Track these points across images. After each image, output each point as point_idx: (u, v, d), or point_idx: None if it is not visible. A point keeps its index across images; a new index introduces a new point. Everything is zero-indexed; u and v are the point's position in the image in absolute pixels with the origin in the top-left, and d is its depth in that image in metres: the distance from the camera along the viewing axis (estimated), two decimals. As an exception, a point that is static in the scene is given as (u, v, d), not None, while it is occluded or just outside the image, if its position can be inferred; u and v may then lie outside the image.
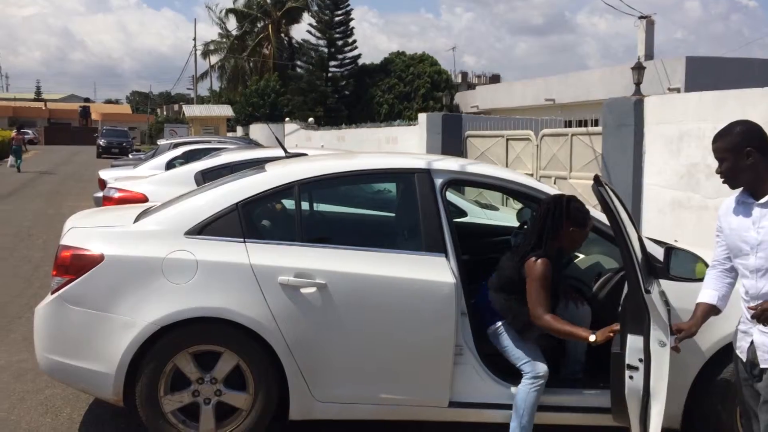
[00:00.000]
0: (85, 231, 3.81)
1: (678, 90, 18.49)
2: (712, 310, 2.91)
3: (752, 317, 2.63)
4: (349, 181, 4.22)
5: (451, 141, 13.15)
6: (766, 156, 2.68)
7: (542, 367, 3.53)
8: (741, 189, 2.77)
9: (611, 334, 3.32)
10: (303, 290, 3.50)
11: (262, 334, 3.49)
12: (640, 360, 3.17)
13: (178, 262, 3.53)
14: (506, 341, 3.66)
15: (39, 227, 11.72)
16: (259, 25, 44.23)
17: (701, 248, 4.36)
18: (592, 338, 3.38)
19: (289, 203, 3.96)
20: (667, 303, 3.26)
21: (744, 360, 2.76)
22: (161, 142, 18.00)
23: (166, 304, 3.47)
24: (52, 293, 3.61)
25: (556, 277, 3.64)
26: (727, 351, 3.60)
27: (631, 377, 3.21)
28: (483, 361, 3.62)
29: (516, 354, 3.60)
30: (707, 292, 2.93)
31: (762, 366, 2.66)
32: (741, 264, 2.76)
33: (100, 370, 3.51)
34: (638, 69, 15.20)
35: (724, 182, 2.77)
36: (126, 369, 3.48)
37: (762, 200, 2.68)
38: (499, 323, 3.68)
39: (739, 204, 2.77)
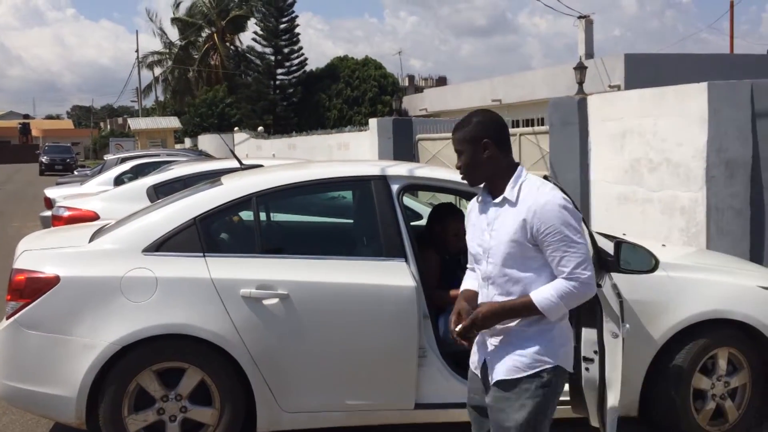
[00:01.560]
0: (39, 253, 3.75)
1: (618, 87, 19.04)
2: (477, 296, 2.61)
3: (458, 334, 2.46)
4: (307, 190, 4.25)
5: (403, 145, 13.24)
6: (503, 150, 2.50)
7: None
8: (483, 186, 2.57)
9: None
10: (265, 302, 3.51)
11: (226, 348, 3.49)
12: (595, 352, 3.28)
13: (137, 280, 3.50)
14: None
15: (-17, 250, 11.32)
16: (203, 35, 43.68)
17: (648, 239, 4.54)
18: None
19: (247, 215, 3.97)
20: (619, 295, 3.39)
21: (479, 376, 2.59)
22: (108, 157, 17.63)
23: (126, 323, 3.44)
24: (7, 318, 3.53)
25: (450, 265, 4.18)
26: (677, 339, 3.79)
27: (587, 369, 3.32)
28: (446, 361, 3.70)
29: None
30: (468, 281, 2.69)
31: (496, 378, 2.47)
32: (478, 270, 2.56)
33: (61, 394, 3.45)
34: (580, 69, 15.66)
35: (463, 178, 2.57)
36: (88, 391, 3.44)
37: (497, 199, 2.49)
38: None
39: (481, 203, 2.57)
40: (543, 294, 2.39)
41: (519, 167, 2.52)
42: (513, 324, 2.46)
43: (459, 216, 4.31)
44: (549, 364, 2.44)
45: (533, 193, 2.43)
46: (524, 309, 2.41)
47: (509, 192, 2.46)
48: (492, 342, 2.51)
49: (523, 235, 2.40)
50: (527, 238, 2.40)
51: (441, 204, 4.58)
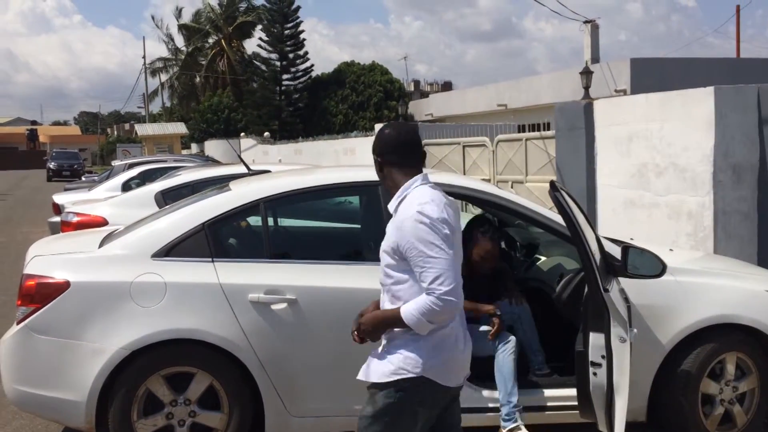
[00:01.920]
0: (49, 258, 3.77)
1: (624, 91, 19.03)
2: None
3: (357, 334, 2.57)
4: (314, 196, 4.27)
5: (409, 150, 13.26)
6: (391, 164, 2.58)
7: (504, 335, 3.81)
8: None
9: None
10: (273, 307, 3.53)
11: (234, 353, 3.51)
12: (603, 356, 3.29)
13: (147, 286, 3.53)
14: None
15: (-8, 256, 11.39)
16: (210, 41, 43.92)
17: (656, 244, 4.54)
18: (496, 316, 3.86)
19: (255, 221, 3.99)
20: (627, 300, 3.39)
21: None
22: (115, 163, 17.72)
23: (136, 328, 3.46)
24: (18, 323, 3.56)
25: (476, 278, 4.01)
26: (685, 344, 3.78)
27: (594, 374, 3.32)
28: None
29: (480, 342, 3.77)
30: None
31: (368, 380, 2.53)
32: None
33: (71, 398, 3.48)
34: (586, 74, 15.67)
35: None
36: (97, 396, 3.46)
37: None
38: None
39: None
40: (408, 308, 2.40)
41: (410, 180, 2.53)
42: (395, 330, 2.50)
43: (489, 236, 4.03)
44: (411, 373, 2.44)
45: (402, 209, 2.48)
46: (396, 320, 2.44)
47: (391, 205, 2.56)
48: (383, 345, 2.56)
49: (393, 249, 2.46)
50: (397, 252, 2.45)
51: (479, 218, 4.29)
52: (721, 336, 3.83)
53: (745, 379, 3.91)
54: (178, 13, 44.51)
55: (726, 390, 3.88)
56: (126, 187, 9.43)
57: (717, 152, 6.47)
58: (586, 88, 16.03)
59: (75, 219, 6.69)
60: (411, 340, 2.45)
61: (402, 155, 2.57)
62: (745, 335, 3.88)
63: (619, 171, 7.74)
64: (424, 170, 2.64)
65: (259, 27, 39.77)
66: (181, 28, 44.50)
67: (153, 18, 75.13)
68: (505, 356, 3.76)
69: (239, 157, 5.83)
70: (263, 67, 37.92)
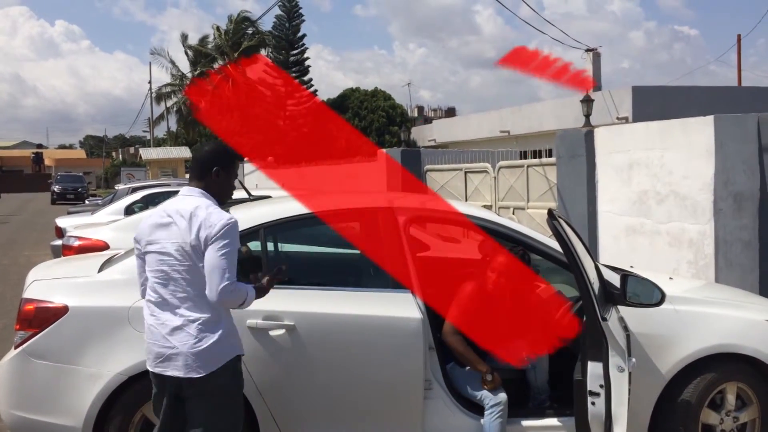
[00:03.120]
0: (48, 283, 3.78)
1: (626, 119, 19.13)
2: None
3: None
4: (314, 222, 4.27)
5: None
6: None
7: (499, 395, 3.62)
8: None
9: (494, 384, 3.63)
10: (272, 333, 3.52)
11: (231, 379, 3.48)
12: (601, 386, 3.27)
13: (145, 311, 3.51)
14: (461, 377, 3.76)
15: (-6, 279, 11.41)
16: (215, 66, 44.31)
17: (656, 272, 4.54)
18: (488, 377, 3.64)
19: (255, 246, 4.00)
20: (626, 329, 3.38)
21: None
22: (119, 186, 17.80)
23: (133, 353, 3.45)
24: (16, 347, 3.56)
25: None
26: (685, 374, 3.76)
27: (593, 403, 3.30)
28: (452, 394, 3.68)
29: (472, 387, 3.70)
30: None
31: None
32: None
33: (67, 424, 3.46)
34: (587, 102, 15.80)
35: None
36: (93, 421, 3.44)
37: None
38: (453, 361, 3.79)
39: None
40: None
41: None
42: None
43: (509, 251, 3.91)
44: None
45: None
46: None
47: None
48: None
49: None
50: None
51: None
52: (722, 366, 3.80)
53: (746, 410, 3.87)
54: (184, 39, 45.00)
55: (726, 420, 3.84)
56: (129, 210, 9.48)
57: (717, 181, 6.49)
58: (587, 115, 16.15)
59: (76, 243, 6.72)
60: None
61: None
62: (746, 365, 3.85)
63: (620, 198, 7.76)
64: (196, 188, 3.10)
65: (265, 53, 40.15)
66: (189, 49, 44.89)
67: (154, 50, 73.82)
68: (491, 420, 3.57)
69: (240, 182, 5.83)
70: (268, 93, 38.20)
